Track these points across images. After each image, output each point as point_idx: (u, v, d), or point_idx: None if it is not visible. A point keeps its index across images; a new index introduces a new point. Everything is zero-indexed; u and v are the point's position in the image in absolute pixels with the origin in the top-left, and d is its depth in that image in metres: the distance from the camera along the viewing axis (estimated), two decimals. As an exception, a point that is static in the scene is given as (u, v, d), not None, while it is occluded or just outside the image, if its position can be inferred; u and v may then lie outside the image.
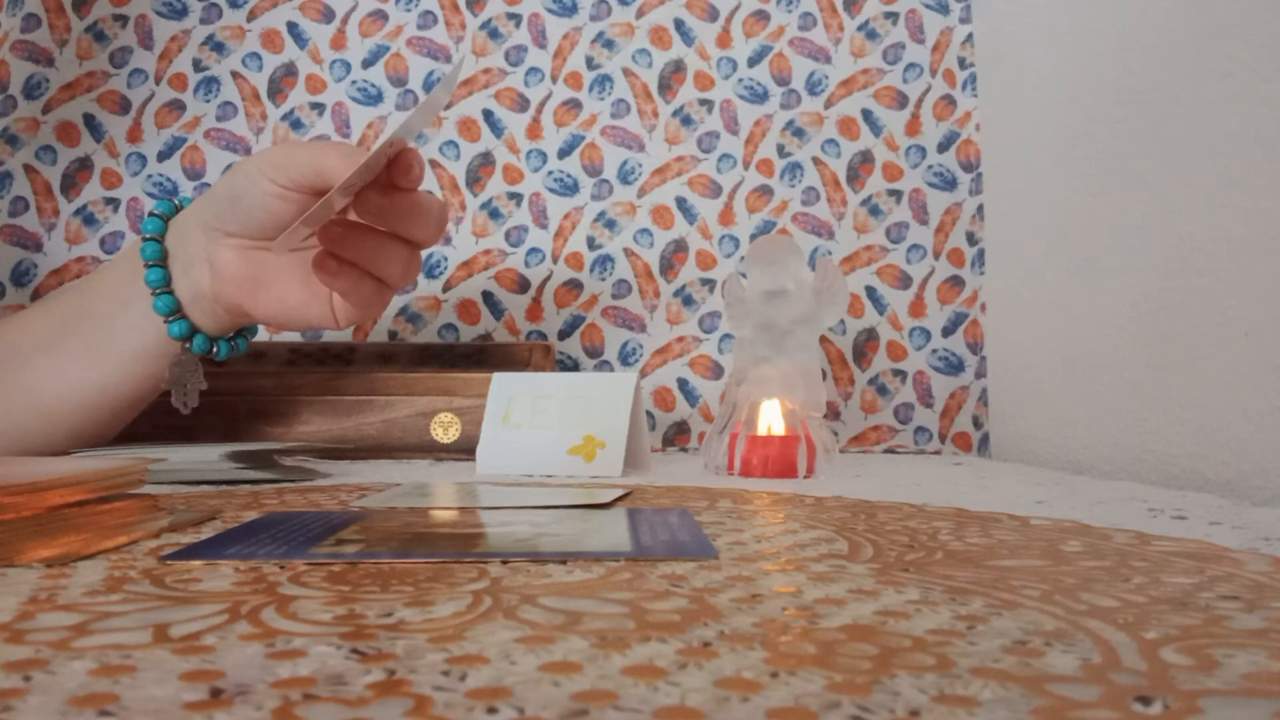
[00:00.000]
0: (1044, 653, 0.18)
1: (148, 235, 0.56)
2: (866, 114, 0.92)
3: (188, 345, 0.57)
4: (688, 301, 0.91)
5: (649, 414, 0.90)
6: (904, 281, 0.91)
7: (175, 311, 0.56)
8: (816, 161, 0.92)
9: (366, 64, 0.93)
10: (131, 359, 0.57)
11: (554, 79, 0.93)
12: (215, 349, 0.59)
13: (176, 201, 0.59)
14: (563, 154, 0.92)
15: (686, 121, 0.93)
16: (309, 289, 0.57)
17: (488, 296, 0.91)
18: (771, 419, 0.61)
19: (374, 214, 0.54)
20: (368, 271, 0.55)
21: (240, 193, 0.54)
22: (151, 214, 0.57)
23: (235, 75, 0.92)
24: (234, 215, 0.54)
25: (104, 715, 0.14)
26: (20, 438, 0.57)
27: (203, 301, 0.57)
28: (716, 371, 0.91)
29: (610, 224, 0.92)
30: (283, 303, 0.57)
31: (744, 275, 0.74)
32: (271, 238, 0.55)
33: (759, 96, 0.93)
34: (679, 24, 0.93)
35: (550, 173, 0.92)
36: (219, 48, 0.92)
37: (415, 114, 0.50)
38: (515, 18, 0.93)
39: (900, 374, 0.90)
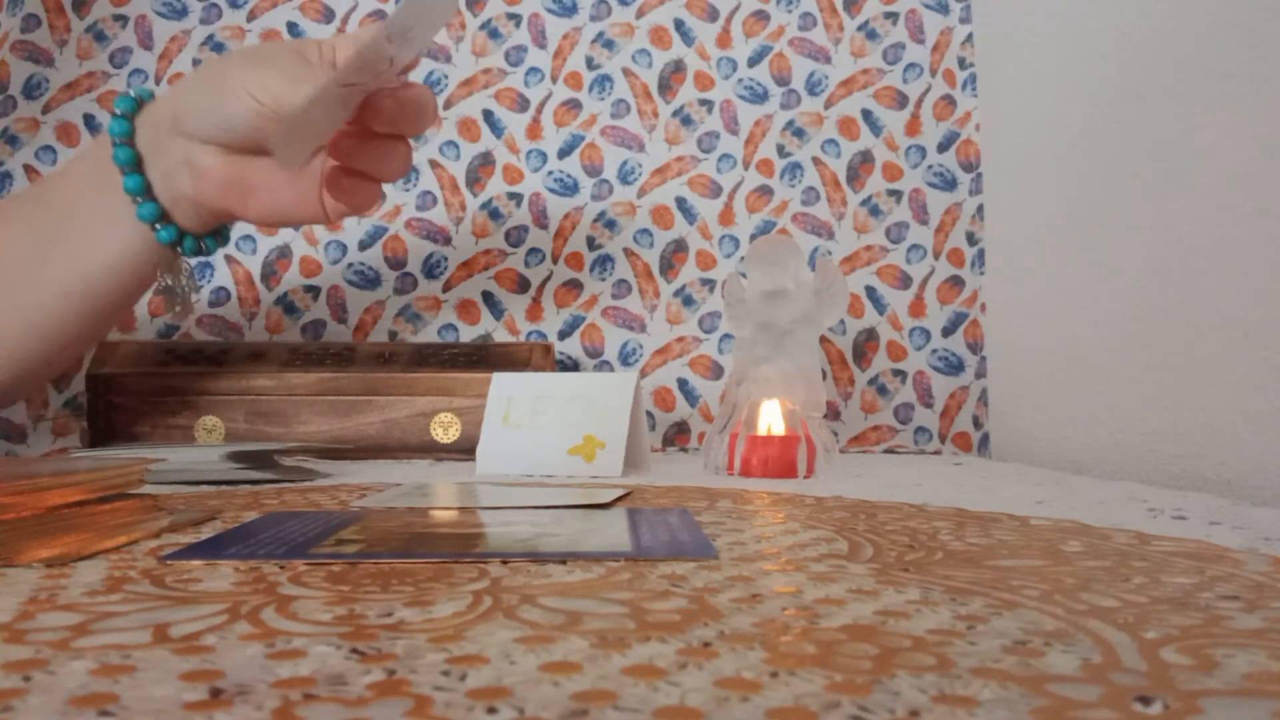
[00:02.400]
0: (1044, 653, 0.18)
1: (118, 140, 0.52)
2: (866, 114, 0.92)
3: (178, 248, 0.55)
4: (688, 301, 0.91)
5: (649, 414, 0.90)
6: (904, 281, 0.91)
7: (160, 217, 0.54)
8: (816, 161, 0.92)
9: (366, 64, 0.92)
10: (118, 265, 0.55)
11: (554, 79, 0.93)
12: (204, 245, 0.57)
13: (136, 95, 0.54)
14: (563, 154, 0.92)
15: (686, 121, 0.93)
16: (298, 189, 0.54)
17: (488, 296, 0.91)
18: (771, 419, 0.61)
19: (387, 121, 0.51)
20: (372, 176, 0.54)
21: (223, 106, 0.51)
22: (115, 114, 0.53)
23: (235, 75, 0.92)
24: (216, 127, 0.52)
25: (104, 715, 0.14)
26: (11, 352, 0.55)
27: (185, 205, 0.54)
28: (716, 371, 0.91)
29: (610, 224, 0.92)
30: (273, 205, 0.55)
31: (744, 275, 0.74)
32: (257, 145, 0.52)
33: (759, 96, 0.93)
34: (679, 24, 0.93)
35: (550, 173, 0.92)
36: (219, 48, 0.92)
37: (406, 7, 0.44)
38: (515, 18, 0.93)
39: (900, 374, 0.90)
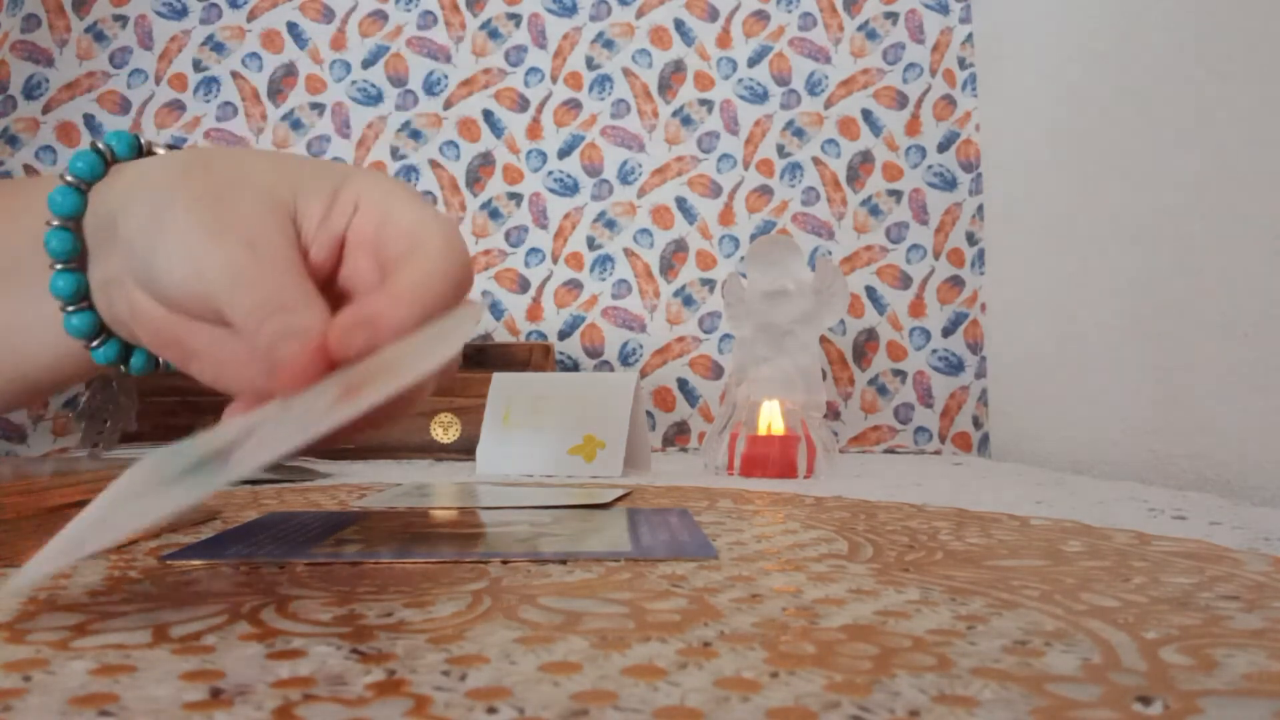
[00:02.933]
0: (1044, 653, 0.18)
1: (58, 220, 0.33)
2: (866, 114, 0.92)
3: (122, 368, 0.36)
4: (688, 301, 0.91)
5: (649, 414, 0.90)
6: (904, 281, 0.91)
7: (98, 332, 0.34)
8: (816, 161, 0.92)
9: (366, 64, 0.93)
10: (39, 360, 0.35)
11: (554, 79, 0.93)
12: (161, 363, 0.36)
13: (105, 148, 0.33)
14: (563, 154, 0.92)
15: (686, 121, 0.93)
16: (252, 370, 0.30)
17: (488, 297, 0.91)
18: (771, 419, 0.61)
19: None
20: None
21: (152, 259, 0.30)
22: (65, 181, 0.32)
23: (235, 75, 0.92)
24: (141, 276, 0.31)
25: (104, 715, 0.14)
26: None
27: (125, 328, 0.34)
28: (716, 371, 0.90)
29: (610, 224, 0.92)
30: (218, 376, 0.32)
31: (744, 275, 0.74)
32: (198, 311, 0.30)
33: (759, 96, 0.93)
34: (679, 24, 0.93)
35: (550, 173, 0.92)
36: (219, 48, 0.92)
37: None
38: (515, 18, 0.93)
39: (900, 374, 0.90)
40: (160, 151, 0.33)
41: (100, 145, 0.33)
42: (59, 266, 0.33)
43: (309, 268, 0.28)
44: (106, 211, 0.32)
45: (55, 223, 0.33)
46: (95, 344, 0.34)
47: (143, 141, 0.33)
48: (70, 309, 0.33)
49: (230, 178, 0.29)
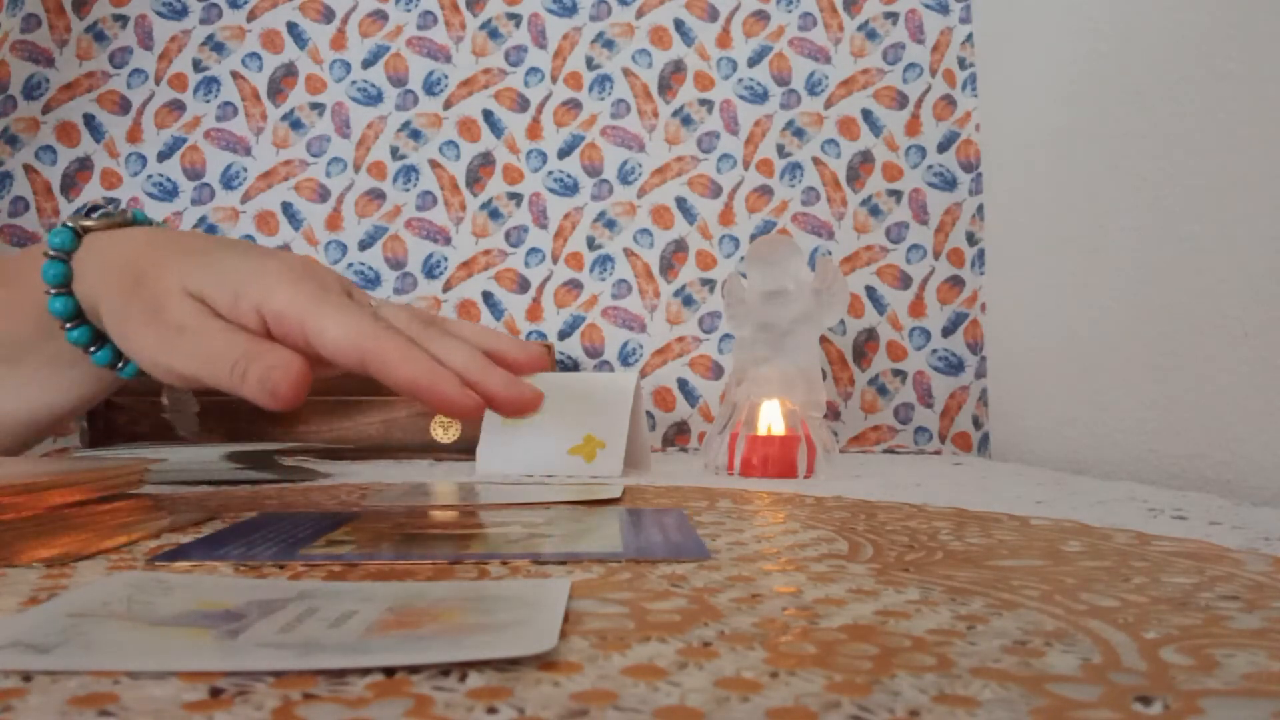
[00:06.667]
0: (1044, 653, 0.18)
1: (54, 289, 0.39)
2: (866, 114, 0.92)
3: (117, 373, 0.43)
4: (688, 301, 0.91)
5: (649, 414, 0.90)
6: (904, 281, 0.91)
7: (119, 359, 0.41)
8: (816, 161, 0.92)
9: (366, 64, 0.93)
10: (91, 381, 0.44)
11: (554, 79, 0.93)
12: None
13: (78, 227, 0.40)
14: (563, 154, 0.92)
15: (686, 121, 0.93)
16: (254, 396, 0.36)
17: (488, 296, 0.91)
18: (771, 419, 0.61)
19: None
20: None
21: (134, 358, 0.38)
22: (52, 255, 0.39)
23: (235, 75, 0.92)
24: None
25: (104, 715, 0.14)
26: None
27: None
28: (716, 371, 0.90)
29: (610, 224, 0.92)
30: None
31: (744, 275, 0.74)
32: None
33: (759, 96, 0.93)
34: (679, 24, 0.93)
35: (550, 173, 0.92)
36: (219, 48, 0.92)
37: None
38: (515, 18, 0.93)
39: (900, 374, 0.90)
40: (94, 223, 0.40)
41: (70, 223, 0.40)
42: (67, 326, 0.40)
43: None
44: (86, 295, 0.40)
45: (52, 291, 0.40)
46: (120, 365, 0.41)
47: (78, 227, 0.40)
48: (93, 350, 0.41)
49: (156, 289, 0.36)
